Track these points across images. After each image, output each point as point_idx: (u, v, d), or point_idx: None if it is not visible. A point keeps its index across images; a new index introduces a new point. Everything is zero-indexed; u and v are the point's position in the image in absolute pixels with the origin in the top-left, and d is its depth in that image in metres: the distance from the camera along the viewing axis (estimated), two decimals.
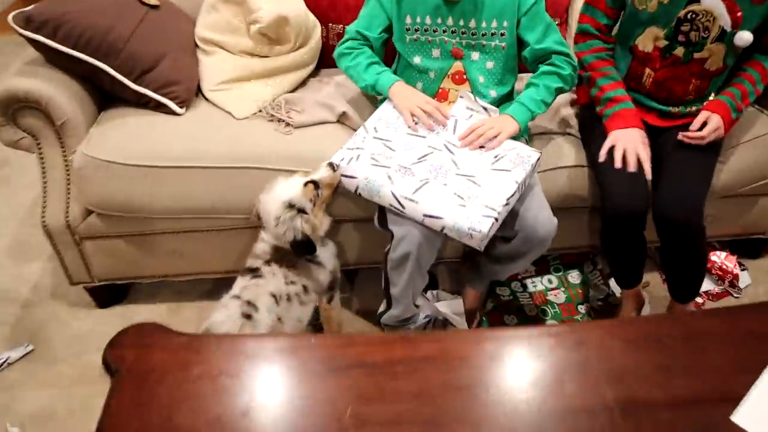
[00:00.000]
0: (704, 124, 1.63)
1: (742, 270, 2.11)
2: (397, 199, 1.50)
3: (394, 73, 1.81)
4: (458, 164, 1.57)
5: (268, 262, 1.52)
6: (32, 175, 1.89)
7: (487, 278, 1.84)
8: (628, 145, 1.62)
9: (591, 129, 1.79)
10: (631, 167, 1.59)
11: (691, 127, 1.64)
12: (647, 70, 1.69)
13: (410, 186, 1.52)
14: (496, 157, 1.59)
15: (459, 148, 1.61)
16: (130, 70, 1.76)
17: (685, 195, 1.58)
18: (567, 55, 1.68)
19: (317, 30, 2.00)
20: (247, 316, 1.42)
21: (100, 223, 1.77)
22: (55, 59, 1.73)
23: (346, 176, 1.57)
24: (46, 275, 2.12)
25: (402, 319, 1.69)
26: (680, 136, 1.64)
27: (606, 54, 1.73)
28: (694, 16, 1.57)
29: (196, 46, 1.96)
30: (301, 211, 1.50)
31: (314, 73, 2.05)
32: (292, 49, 1.93)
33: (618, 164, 1.61)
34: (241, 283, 1.51)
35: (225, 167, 1.68)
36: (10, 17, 1.63)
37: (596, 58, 1.72)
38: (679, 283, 1.75)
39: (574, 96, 1.92)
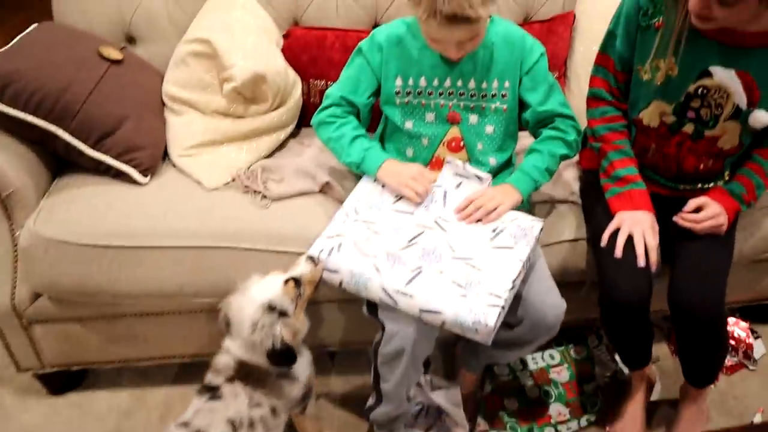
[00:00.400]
0: (700, 210, 1.46)
1: (756, 338, 1.97)
2: (388, 294, 1.32)
3: (381, 136, 1.64)
4: (453, 246, 1.40)
5: (230, 379, 1.30)
6: None
7: (484, 362, 1.66)
8: (635, 229, 1.44)
9: (593, 199, 1.62)
10: (640, 261, 1.41)
11: (685, 208, 1.47)
12: (653, 146, 1.54)
13: (401, 277, 1.33)
14: (494, 231, 1.43)
15: (452, 223, 1.45)
16: (87, 134, 1.58)
17: (704, 280, 1.42)
18: (571, 118, 1.53)
19: (297, 87, 1.81)
20: None
21: (51, 306, 1.57)
22: (1, 122, 1.54)
23: (327, 270, 1.38)
24: None
25: (394, 416, 1.50)
26: (675, 218, 1.47)
27: (620, 125, 1.54)
28: (705, 91, 1.40)
29: (164, 104, 1.78)
30: (283, 314, 1.29)
31: (294, 133, 1.87)
32: (270, 109, 1.74)
33: (618, 253, 1.43)
34: (195, 405, 1.29)
35: (193, 247, 1.50)
36: None
37: (609, 129, 1.54)
38: (696, 369, 1.59)
39: (578, 158, 1.78)
